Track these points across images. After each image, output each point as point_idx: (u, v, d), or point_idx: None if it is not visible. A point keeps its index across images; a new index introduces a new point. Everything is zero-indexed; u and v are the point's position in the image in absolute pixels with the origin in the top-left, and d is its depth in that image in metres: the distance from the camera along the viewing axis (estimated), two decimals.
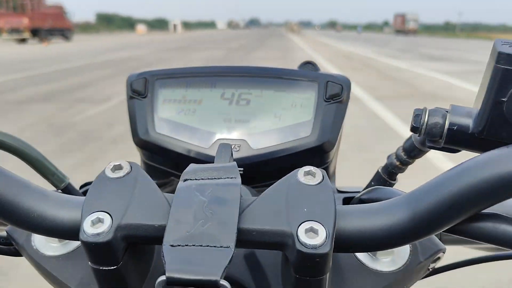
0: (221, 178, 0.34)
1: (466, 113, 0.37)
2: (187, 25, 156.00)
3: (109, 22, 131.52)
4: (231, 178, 0.34)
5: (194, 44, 26.82)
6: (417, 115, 0.39)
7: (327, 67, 12.08)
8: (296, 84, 0.55)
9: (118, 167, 0.35)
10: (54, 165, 0.51)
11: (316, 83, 0.55)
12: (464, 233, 0.32)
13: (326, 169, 0.58)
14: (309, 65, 0.59)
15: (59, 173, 0.51)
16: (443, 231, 0.32)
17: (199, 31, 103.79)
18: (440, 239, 0.46)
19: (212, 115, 0.55)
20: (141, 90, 0.56)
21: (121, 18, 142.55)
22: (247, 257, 0.43)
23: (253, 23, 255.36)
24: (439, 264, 0.47)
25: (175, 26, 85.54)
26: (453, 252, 0.53)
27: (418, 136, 0.41)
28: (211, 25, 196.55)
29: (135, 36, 52.39)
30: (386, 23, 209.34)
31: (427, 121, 0.38)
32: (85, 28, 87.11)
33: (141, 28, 66.29)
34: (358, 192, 0.53)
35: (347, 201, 0.54)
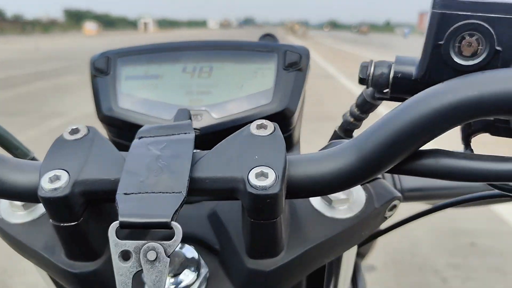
0: (174, 134, 0.35)
1: (410, 61, 0.38)
2: (173, 24, 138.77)
3: (80, 20, 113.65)
4: (185, 133, 0.35)
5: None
6: (364, 66, 0.41)
7: None
8: (256, 55, 0.57)
9: (75, 131, 0.36)
10: (17, 139, 0.52)
11: (276, 53, 0.56)
12: (408, 171, 0.33)
13: (290, 136, 0.59)
14: (268, 37, 0.60)
15: (23, 147, 0.52)
16: (388, 171, 0.33)
17: (182, 31, 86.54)
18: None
19: (174, 89, 0.57)
20: (103, 68, 0.57)
21: (95, 15, 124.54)
22: (210, 218, 0.46)
23: (247, 22, 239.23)
24: (398, 218, 0.51)
25: (145, 24, 68.36)
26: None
27: (367, 87, 0.44)
28: (202, 24, 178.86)
29: (78, 37, 35.17)
30: (387, 24, 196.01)
31: (373, 72, 0.40)
32: (46, 27, 69.59)
33: (89, 27, 48.93)
34: None
35: None
